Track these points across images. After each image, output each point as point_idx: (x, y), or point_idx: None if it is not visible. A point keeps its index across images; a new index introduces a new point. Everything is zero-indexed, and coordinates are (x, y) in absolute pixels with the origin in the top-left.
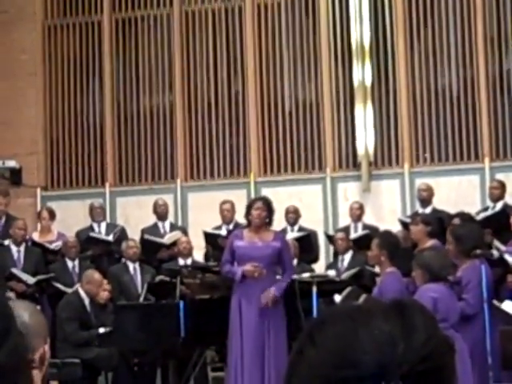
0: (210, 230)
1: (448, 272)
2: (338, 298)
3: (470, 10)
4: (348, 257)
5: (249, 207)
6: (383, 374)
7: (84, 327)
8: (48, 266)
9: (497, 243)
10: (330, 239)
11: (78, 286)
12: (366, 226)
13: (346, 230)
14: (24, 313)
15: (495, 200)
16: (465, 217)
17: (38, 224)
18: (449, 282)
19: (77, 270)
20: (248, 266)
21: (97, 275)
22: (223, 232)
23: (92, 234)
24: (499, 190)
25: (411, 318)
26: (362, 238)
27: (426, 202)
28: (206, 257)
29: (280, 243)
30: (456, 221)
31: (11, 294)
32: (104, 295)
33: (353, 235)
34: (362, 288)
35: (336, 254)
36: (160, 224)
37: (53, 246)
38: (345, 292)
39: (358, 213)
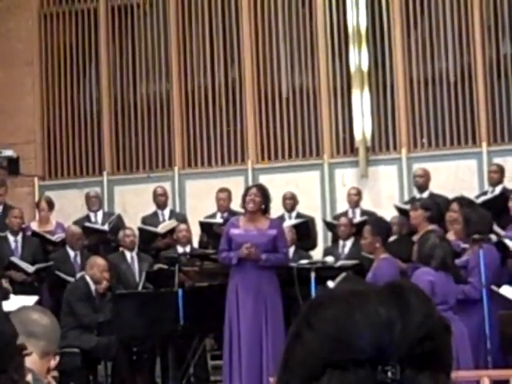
0: (205, 219)
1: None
2: (331, 284)
3: None
4: (349, 243)
5: (244, 195)
6: (380, 357)
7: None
8: (48, 256)
9: (495, 228)
10: (329, 226)
11: (83, 273)
12: (363, 212)
13: (344, 215)
14: (46, 318)
15: (494, 184)
16: (463, 201)
17: (37, 214)
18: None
19: (78, 259)
20: (242, 248)
21: (100, 260)
22: (218, 220)
23: (87, 224)
24: (498, 173)
25: (407, 299)
26: (361, 224)
27: (422, 187)
28: (201, 244)
29: (276, 231)
30: (454, 205)
31: (7, 285)
32: (103, 284)
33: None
34: (357, 274)
35: (335, 240)
36: (159, 212)
37: (54, 238)
38: (339, 278)
39: (355, 198)
